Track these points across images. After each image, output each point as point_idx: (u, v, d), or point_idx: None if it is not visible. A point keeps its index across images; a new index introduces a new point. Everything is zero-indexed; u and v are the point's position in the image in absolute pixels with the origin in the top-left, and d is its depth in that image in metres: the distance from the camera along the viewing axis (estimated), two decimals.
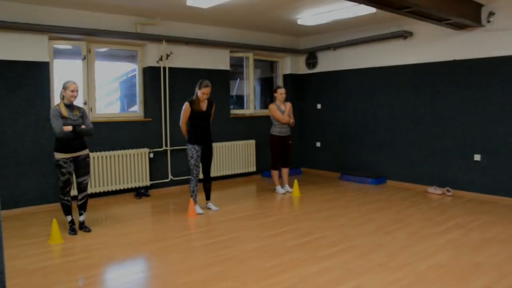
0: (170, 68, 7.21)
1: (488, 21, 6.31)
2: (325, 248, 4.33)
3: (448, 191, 6.76)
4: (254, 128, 8.44)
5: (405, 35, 7.17)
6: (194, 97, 5.69)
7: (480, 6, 6.31)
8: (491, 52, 6.34)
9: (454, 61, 6.73)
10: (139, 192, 6.83)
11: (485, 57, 6.40)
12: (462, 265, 3.83)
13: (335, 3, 6.02)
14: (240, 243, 4.51)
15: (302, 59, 9.16)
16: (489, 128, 6.44)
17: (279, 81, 9.20)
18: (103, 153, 6.53)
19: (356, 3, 5.10)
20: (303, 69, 9.20)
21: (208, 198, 6.07)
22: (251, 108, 8.59)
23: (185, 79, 7.33)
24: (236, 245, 4.44)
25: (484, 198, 6.47)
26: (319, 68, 8.87)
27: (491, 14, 6.27)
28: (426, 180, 7.18)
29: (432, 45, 6.99)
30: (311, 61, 8.97)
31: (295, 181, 7.04)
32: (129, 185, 6.82)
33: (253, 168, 8.38)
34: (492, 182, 6.45)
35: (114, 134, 6.72)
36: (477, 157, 6.58)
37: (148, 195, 6.89)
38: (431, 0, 5.26)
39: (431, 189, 6.93)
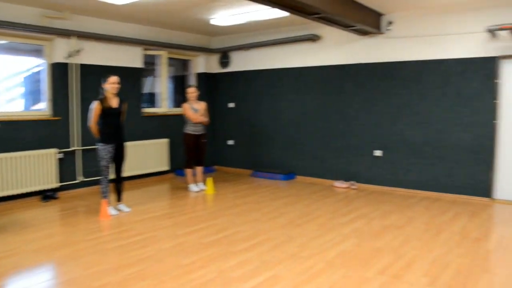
0: (81, 65, 6.95)
1: (388, 29, 6.92)
2: (240, 242, 4.49)
3: (353, 184, 7.30)
4: (168, 126, 8.39)
5: (314, 38, 7.59)
6: (102, 95, 5.52)
7: (380, 15, 6.90)
8: (390, 57, 6.96)
9: (359, 64, 7.27)
10: (46, 195, 6.43)
11: (384, 61, 7.02)
12: (365, 251, 4.21)
13: (249, 5, 6.21)
14: (156, 242, 4.50)
15: (215, 58, 9.28)
16: (388, 126, 7.07)
17: (192, 80, 9.23)
18: (4, 155, 6.06)
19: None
20: (216, 68, 9.32)
21: (119, 199, 5.86)
22: (164, 106, 8.53)
23: (96, 76, 7.04)
24: (152, 245, 4.42)
25: (384, 190, 7.08)
26: (231, 68, 9.05)
27: (390, 23, 6.88)
28: (333, 174, 7.67)
29: (339, 48, 7.49)
30: (224, 60, 9.12)
31: (209, 179, 7.12)
32: (35, 188, 6.41)
33: (166, 167, 8.32)
34: (390, 175, 7.09)
35: (17, 134, 6.27)
36: (378, 153, 7.19)
37: (56, 198, 6.52)
38: (338, 7, 5.68)
39: (338, 183, 7.43)
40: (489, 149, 6.29)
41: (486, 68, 6.21)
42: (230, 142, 9.17)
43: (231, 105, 9.09)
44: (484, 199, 6.35)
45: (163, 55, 8.38)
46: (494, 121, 6.23)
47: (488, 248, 4.35)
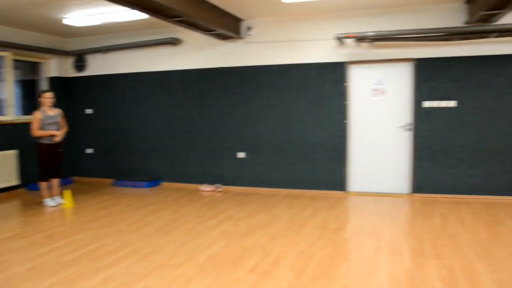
0: None
1: (247, 34, 7.11)
2: (105, 256, 4.17)
3: (218, 187, 7.34)
4: (16, 136, 7.47)
5: (175, 42, 7.47)
6: None
7: (240, 20, 7.06)
8: (250, 61, 7.17)
9: (220, 68, 7.35)
10: None
11: (245, 66, 7.20)
12: (234, 252, 4.22)
13: (106, 6, 5.83)
14: (6, 268, 3.90)
15: (70, 62, 8.59)
16: (250, 128, 7.26)
17: (44, 85, 8.41)
18: None
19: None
20: (71, 72, 8.63)
21: None
22: (11, 114, 7.61)
23: None
24: (1, 272, 3.85)
25: (249, 191, 7.24)
26: (88, 72, 8.46)
27: (249, 28, 7.08)
28: (199, 178, 7.63)
29: (200, 52, 7.48)
30: (80, 64, 8.49)
31: (67, 191, 6.51)
32: None
33: (15, 182, 7.43)
34: (254, 176, 7.29)
35: None
36: (241, 155, 7.34)
37: None
38: (198, 11, 5.67)
39: (203, 187, 7.41)
40: (342, 147, 6.84)
41: (336, 72, 6.75)
42: (89, 151, 8.56)
43: (89, 111, 8.50)
44: (340, 193, 6.88)
45: (7, 57, 7.48)
46: (345, 121, 6.79)
47: (345, 237, 4.69)
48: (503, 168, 6.27)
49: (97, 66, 8.37)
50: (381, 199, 6.56)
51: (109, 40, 8.07)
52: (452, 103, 6.37)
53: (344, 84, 6.74)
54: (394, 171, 6.80)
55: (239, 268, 3.78)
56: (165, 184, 7.92)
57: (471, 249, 4.20)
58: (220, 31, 6.51)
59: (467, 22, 6.05)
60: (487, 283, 3.39)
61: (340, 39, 6.44)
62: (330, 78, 6.79)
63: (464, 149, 6.37)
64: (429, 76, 6.40)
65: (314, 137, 6.94)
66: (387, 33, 6.15)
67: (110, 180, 8.23)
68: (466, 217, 5.41)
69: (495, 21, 5.80)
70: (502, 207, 5.88)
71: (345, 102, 6.77)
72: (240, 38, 7.13)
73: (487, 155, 6.30)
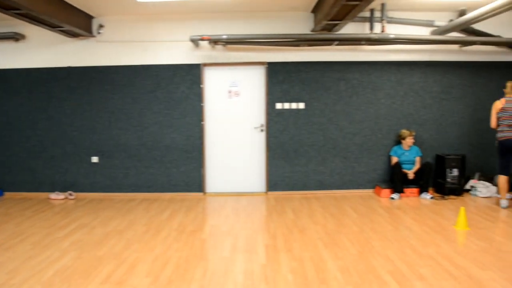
0: None
1: (99, 33, 6.78)
2: None
3: (71, 194, 6.88)
4: None
5: (17, 37, 6.79)
6: None
7: (91, 17, 6.69)
8: (103, 61, 6.85)
9: (69, 67, 6.88)
10: None
11: (97, 65, 6.85)
12: (86, 262, 4.01)
13: None
14: None
15: None
16: (103, 131, 6.94)
17: None
18: None
19: None
20: None
21: None
22: None
23: None
24: None
25: (104, 196, 6.93)
26: None
27: (101, 26, 6.75)
28: (48, 186, 7.07)
29: (47, 50, 6.92)
30: None
31: None
32: None
33: None
34: (109, 181, 6.99)
35: None
36: (94, 159, 6.98)
37: None
38: (42, 5, 5.22)
39: (54, 195, 6.88)
40: (198, 148, 6.92)
41: (192, 74, 6.80)
42: None
43: None
44: (199, 194, 6.96)
45: None
46: (201, 122, 6.88)
47: (202, 238, 4.76)
48: (346, 164, 6.97)
49: None
50: (238, 198, 6.80)
51: None
52: (301, 105, 6.88)
53: (200, 85, 6.83)
54: (250, 170, 7.10)
55: (91, 280, 3.61)
56: (8, 195, 7.15)
57: (319, 241, 4.59)
58: (68, 28, 6.10)
59: (313, 30, 6.60)
60: (333, 270, 3.75)
61: (195, 40, 6.51)
62: (185, 79, 6.83)
63: (313, 148, 6.93)
64: (281, 79, 6.82)
65: (169, 140, 6.91)
66: (240, 36, 6.39)
67: None
68: (316, 211, 5.90)
69: (337, 31, 6.42)
70: (347, 200, 6.53)
71: (201, 104, 6.87)
72: (92, 36, 6.77)
73: (332, 153, 6.95)
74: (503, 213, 5.65)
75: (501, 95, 6.92)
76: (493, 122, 5.91)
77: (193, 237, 4.79)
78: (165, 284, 3.51)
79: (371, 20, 6.47)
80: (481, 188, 6.63)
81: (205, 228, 5.18)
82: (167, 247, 4.44)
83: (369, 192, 7.01)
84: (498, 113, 5.83)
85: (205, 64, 6.87)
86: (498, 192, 6.23)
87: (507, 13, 6.69)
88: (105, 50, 6.84)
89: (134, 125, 6.92)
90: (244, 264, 3.96)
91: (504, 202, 5.86)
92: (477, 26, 6.67)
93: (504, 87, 6.18)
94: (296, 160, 6.96)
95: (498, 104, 5.84)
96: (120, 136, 6.94)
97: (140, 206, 6.31)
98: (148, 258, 4.12)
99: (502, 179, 5.85)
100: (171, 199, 6.76)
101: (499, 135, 5.85)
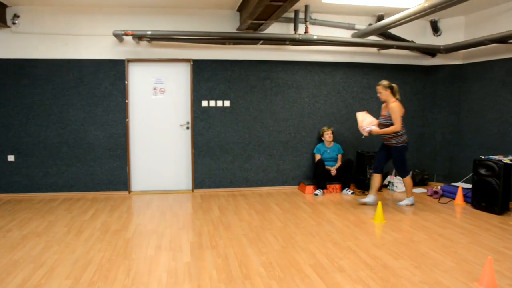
0: None
1: (14, 23, 6.40)
2: None
3: None
4: None
5: None
6: None
7: (5, 6, 6.30)
8: (19, 54, 6.48)
9: None
10: None
11: (13, 58, 6.47)
12: (1, 266, 3.81)
13: None
14: None
15: None
16: (20, 128, 6.57)
17: None
18: None
19: None
20: None
21: None
22: None
23: None
24: None
25: (21, 197, 6.58)
26: None
27: (16, 16, 6.38)
28: None
29: None
30: None
31: None
32: None
33: None
34: (27, 181, 6.65)
35: None
36: (10, 158, 6.60)
37: None
38: None
39: None
40: (123, 146, 6.76)
41: (116, 70, 6.63)
42: None
43: None
44: (124, 193, 6.82)
45: None
46: (126, 120, 6.73)
47: (126, 237, 4.68)
48: (271, 161, 7.14)
49: None
50: (165, 196, 6.74)
51: None
52: (227, 103, 6.94)
53: (125, 82, 6.68)
54: (176, 168, 7.06)
55: (6, 285, 3.43)
56: None
57: (244, 237, 4.68)
58: None
59: (238, 29, 6.67)
60: (256, 265, 3.85)
61: (119, 35, 6.35)
62: (109, 75, 6.64)
63: (238, 145, 7.03)
64: (207, 77, 6.84)
65: (92, 137, 6.70)
66: (165, 32, 6.32)
67: None
68: (242, 207, 5.99)
69: (262, 30, 6.54)
70: (272, 196, 6.70)
71: (125, 101, 6.71)
72: (6, 26, 6.37)
73: (258, 151, 7.08)
74: (417, 206, 6.09)
75: (414, 96, 7.45)
76: (400, 125, 5.69)
77: (117, 236, 4.70)
78: (86, 285, 3.42)
79: (295, 21, 6.66)
80: (397, 183, 7.10)
81: (129, 227, 5.10)
82: (90, 247, 4.33)
83: (293, 188, 7.24)
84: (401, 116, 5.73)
85: (130, 60, 6.73)
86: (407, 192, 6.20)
87: (419, 21, 7.20)
88: (22, 42, 6.48)
89: (55, 122, 6.62)
90: (168, 262, 3.96)
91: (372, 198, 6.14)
92: (393, 31, 7.10)
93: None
94: (222, 158, 7.02)
95: (402, 108, 5.72)
96: (39, 133, 6.61)
97: (61, 206, 6.07)
98: (69, 260, 3.99)
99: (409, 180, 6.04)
100: (95, 198, 6.56)
101: (404, 137, 5.83)
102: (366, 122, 5.91)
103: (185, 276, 3.63)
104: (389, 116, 5.75)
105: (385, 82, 5.80)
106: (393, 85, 5.83)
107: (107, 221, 5.29)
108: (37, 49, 6.51)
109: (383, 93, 5.81)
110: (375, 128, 5.83)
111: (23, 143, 6.60)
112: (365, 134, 5.92)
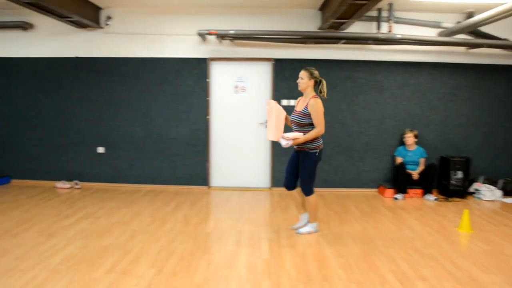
0: None
1: (107, 24, 6.81)
2: None
3: (77, 184, 6.95)
4: None
5: (25, 26, 6.83)
6: None
7: (99, 9, 6.73)
8: (110, 52, 6.89)
9: (77, 58, 6.93)
10: None
11: (104, 57, 6.90)
12: (92, 251, 4.07)
13: None
14: None
15: None
16: (109, 122, 7.00)
17: None
18: None
19: None
20: None
21: None
22: None
23: None
24: None
25: (109, 187, 6.99)
26: None
27: (109, 18, 6.79)
28: (55, 175, 7.13)
29: (55, 40, 6.96)
30: None
31: None
32: None
33: None
34: (114, 172, 7.05)
35: None
36: (100, 150, 7.04)
37: None
38: None
39: (60, 184, 6.95)
40: (204, 142, 6.96)
41: (199, 68, 6.84)
42: None
43: None
44: (203, 188, 7.02)
45: None
46: (207, 117, 6.92)
47: (206, 231, 4.82)
48: (350, 163, 7.00)
49: None
50: (243, 193, 6.85)
51: None
52: None
53: (206, 80, 6.86)
54: (255, 166, 7.14)
55: (96, 268, 3.67)
56: (16, 182, 7.23)
57: (322, 238, 4.63)
58: (77, 18, 6.14)
59: (320, 28, 6.61)
60: (335, 267, 3.80)
61: (202, 35, 6.54)
62: (192, 73, 6.86)
63: None
64: (287, 76, 6.84)
65: (175, 132, 6.96)
66: (247, 32, 6.42)
67: None
68: (320, 208, 5.85)
69: (344, 29, 6.43)
70: (350, 198, 6.58)
71: (207, 98, 6.90)
72: (99, 27, 6.81)
73: (336, 151, 6.97)
74: (508, 217, 5.69)
75: (506, 98, 6.95)
76: (323, 128, 4.63)
77: (197, 230, 4.84)
78: (169, 275, 3.57)
79: (378, 19, 6.48)
80: (485, 191, 6.65)
81: (209, 221, 5.23)
82: (172, 239, 4.50)
83: (373, 191, 7.04)
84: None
85: (212, 59, 6.90)
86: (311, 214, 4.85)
87: None
88: (113, 41, 6.88)
89: (140, 117, 6.97)
90: (248, 258, 4.01)
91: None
92: (484, 29, 6.67)
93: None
94: None
95: (322, 106, 4.63)
96: (126, 127, 6.99)
97: (145, 197, 6.37)
98: (153, 249, 4.18)
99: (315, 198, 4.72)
100: (177, 191, 6.82)
101: (320, 142, 4.67)
102: (278, 120, 4.79)
103: (264, 273, 3.66)
104: (308, 115, 4.54)
105: (313, 70, 4.63)
106: (322, 79, 4.71)
107: (188, 214, 5.47)
108: (126, 48, 6.88)
109: (305, 81, 4.58)
110: (300, 136, 4.52)
111: (111, 136, 7.02)
112: (284, 144, 4.56)
